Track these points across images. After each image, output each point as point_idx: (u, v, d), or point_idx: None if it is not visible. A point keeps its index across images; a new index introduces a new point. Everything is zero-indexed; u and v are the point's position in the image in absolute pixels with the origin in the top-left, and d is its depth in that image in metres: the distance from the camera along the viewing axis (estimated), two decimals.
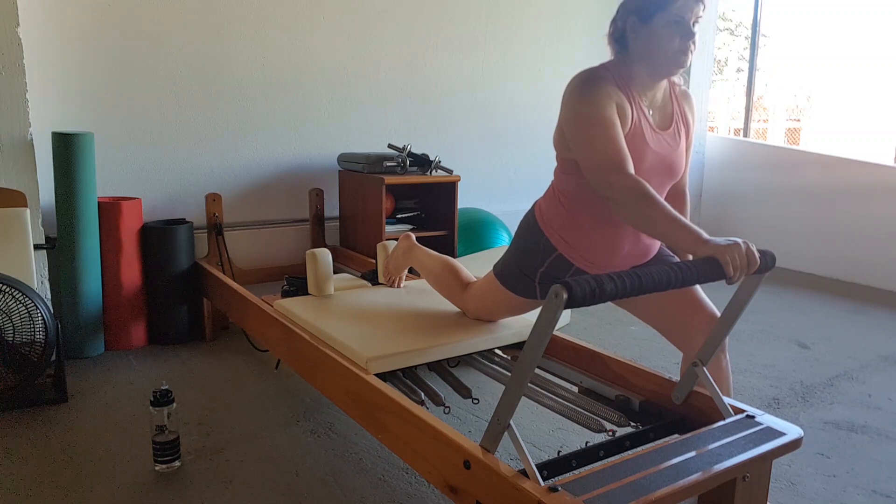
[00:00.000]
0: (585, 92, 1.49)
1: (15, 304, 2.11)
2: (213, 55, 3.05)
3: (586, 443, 1.37)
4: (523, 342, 1.70)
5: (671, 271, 1.16)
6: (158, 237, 2.76)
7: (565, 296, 1.00)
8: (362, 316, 1.98)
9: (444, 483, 1.30)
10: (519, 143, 4.14)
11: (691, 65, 4.68)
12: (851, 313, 3.55)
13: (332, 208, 3.45)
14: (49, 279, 2.59)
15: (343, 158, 3.30)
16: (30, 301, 2.13)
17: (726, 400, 1.42)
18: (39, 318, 2.14)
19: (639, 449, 1.35)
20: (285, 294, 2.42)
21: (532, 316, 1.56)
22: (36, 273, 2.43)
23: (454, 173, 3.23)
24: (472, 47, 3.84)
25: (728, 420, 1.35)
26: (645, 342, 2.97)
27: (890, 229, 4.05)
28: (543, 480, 1.11)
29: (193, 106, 3.04)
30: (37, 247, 2.46)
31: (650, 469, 1.14)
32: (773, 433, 1.29)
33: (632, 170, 1.44)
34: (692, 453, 1.21)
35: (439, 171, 3.22)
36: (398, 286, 2.35)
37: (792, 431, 1.30)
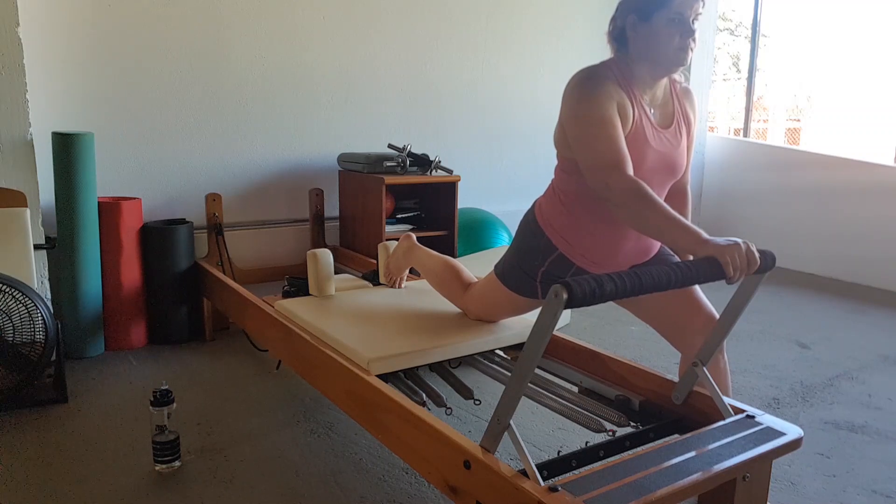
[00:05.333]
0: (586, 91, 1.49)
1: (15, 304, 2.11)
2: (214, 55, 3.06)
3: (586, 443, 1.37)
4: (524, 343, 1.70)
5: (671, 271, 1.16)
6: (158, 237, 2.77)
7: (565, 296, 1.00)
8: (364, 317, 1.98)
9: (444, 483, 1.30)
10: (519, 143, 4.14)
11: (691, 64, 4.69)
12: (851, 313, 3.55)
13: (332, 208, 3.45)
14: (49, 279, 2.59)
15: (343, 158, 3.30)
16: (30, 301, 2.13)
17: (726, 400, 1.42)
18: (39, 318, 2.14)
19: (639, 449, 1.35)
20: (286, 294, 2.42)
21: (532, 316, 1.56)
22: (36, 273, 2.42)
23: (454, 173, 3.23)
24: (472, 47, 3.84)
25: (728, 420, 1.35)
26: (645, 342, 2.97)
27: (890, 229, 4.05)
28: (543, 480, 1.11)
29: (193, 106, 3.04)
30: (37, 247, 2.46)
31: (650, 469, 1.14)
32: (773, 433, 1.29)
33: (630, 170, 1.44)
34: (692, 453, 1.21)
35: (439, 171, 3.22)
36: (399, 287, 2.35)
37: (792, 431, 1.30)
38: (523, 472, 1.13)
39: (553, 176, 1.72)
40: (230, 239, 3.16)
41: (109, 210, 2.66)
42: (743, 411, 1.39)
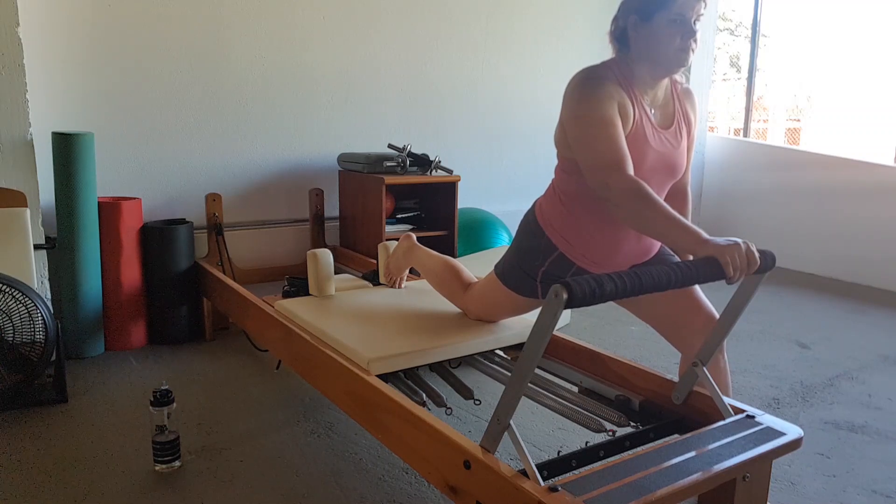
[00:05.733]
0: (587, 91, 1.49)
1: (15, 304, 2.11)
2: (214, 55, 3.06)
3: (586, 443, 1.37)
4: (524, 343, 1.70)
5: (671, 271, 1.16)
6: (158, 237, 2.77)
7: (565, 296, 1.00)
8: (364, 317, 1.98)
9: (444, 483, 1.30)
10: (519, 143, 4.14)
11: (691, 64, 4.68)
12: (851, 313, 3.55)
13: (332, 208, 3.45)
14: (49, 279, 2.59)
15: (343, 158, 3.30)
16: (30, 301, 2.13)
17: (726, 400, 1.42)
18: (39, 318, 2.14)
19: (639, 449, 1.35)
20: (286, 294, 2.42)
21: (532, 316, 1.56)
22: (36, 273, 2.43)
23: (454, 173, 3.23)
24: (472, 47, 3.84)
25: (728, 420, 1.35)
26: (645, 342, 2.97)
27: (890, 229, 4.05)
28: (543, 480, 1.11)
29: (193, 106, 3.04)
30: (37, 247, 2.46)
31: (650, 469, 1.14)
32: (773, 433, 1.29)
33: (630, 170, 1.44)
34: (692, 453, 1.21)
35: (439, 171, 3.22)
36: (399, 287, 2.35)
37: (792, 431, 1.30)
38: (523, 472, 1.13)
39: (553, 176, 1.72)
40: (230, 239, 3.16)
41: (109, 210, 2.66)
42: (743, 411, 1.39)
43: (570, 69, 4.00)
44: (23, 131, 2.43)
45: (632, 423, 1.55)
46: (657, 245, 1.73)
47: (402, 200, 3.35)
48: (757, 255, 1.28)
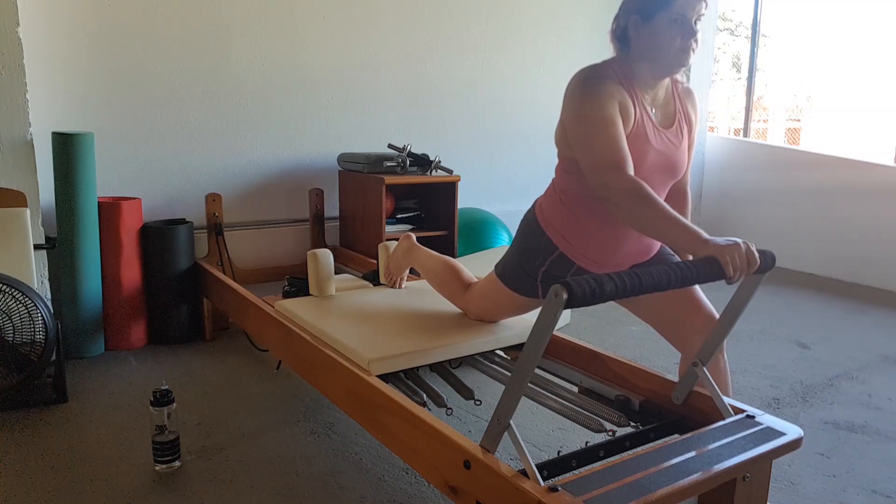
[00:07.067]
0: (588, 90, 1.49)
1: (15, 304, 2.11)
2: (214, 55, 3.06)
3: (586, 443, 1.37)
4: (524, 343, 1.70)
5: (671, 271, 1.16)
6: (158, 237, 2.77)
7: (565, 296, 1.00)
8: (364, 317, 1.98)
9: (444, 483, 1.30)
10: (519, 143, 4.14)
11: (692, 64, 4.68)
12: (851, 313, 3.55)
13: (332, 208, 3.45)
14: (49, 279, 2.59)
15: (343, 158, 3.30)
16: (30, 301, 2.13)
17: (726, 400, 1.42)
18: (39, 318, 2.14)
19: (639, 449, 1.35)
20: (286, 294, 2.42)
21: (532, 316, 1.56)
22: (36, 273, 2.42)
23: (454, 173, 3.23)
24: (472, 47, 3.84)
25: (728, 420, 1.35)
26: (645, 342, 2.97)
27: (890, 229, 4.05)
28: (543, 480, 1.11)
29: (193, 106, 3.04)
30: (37, 247, 2.46)
31: (650, 469, 1.14)
32: (773, 433, 1.29)
33: (631, 170, 1.44)
34: (692, 453, 1.21)
35: (439, 171, 3.22)
36: (399, 287, 2.35)
37: (792, 431, 1.30)
38: (523, 472, 1.13)
39: (554, 175, 1.72)
40: (230, 239, 3.16)
41: (109, 210, 2.66)
42: (743, 411, 1.39)
43: (570, 69, 4.00)
44: (23, 131, 2.43)
45: (632, 423, 1.55)
46: (657, 245, 1.73)
47: (402, 200, 3.35)
48: (757, 255, 1.28)
